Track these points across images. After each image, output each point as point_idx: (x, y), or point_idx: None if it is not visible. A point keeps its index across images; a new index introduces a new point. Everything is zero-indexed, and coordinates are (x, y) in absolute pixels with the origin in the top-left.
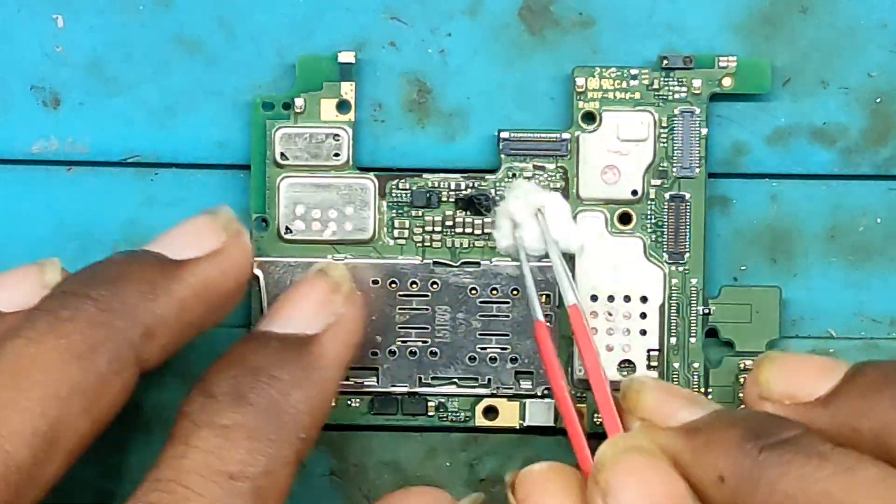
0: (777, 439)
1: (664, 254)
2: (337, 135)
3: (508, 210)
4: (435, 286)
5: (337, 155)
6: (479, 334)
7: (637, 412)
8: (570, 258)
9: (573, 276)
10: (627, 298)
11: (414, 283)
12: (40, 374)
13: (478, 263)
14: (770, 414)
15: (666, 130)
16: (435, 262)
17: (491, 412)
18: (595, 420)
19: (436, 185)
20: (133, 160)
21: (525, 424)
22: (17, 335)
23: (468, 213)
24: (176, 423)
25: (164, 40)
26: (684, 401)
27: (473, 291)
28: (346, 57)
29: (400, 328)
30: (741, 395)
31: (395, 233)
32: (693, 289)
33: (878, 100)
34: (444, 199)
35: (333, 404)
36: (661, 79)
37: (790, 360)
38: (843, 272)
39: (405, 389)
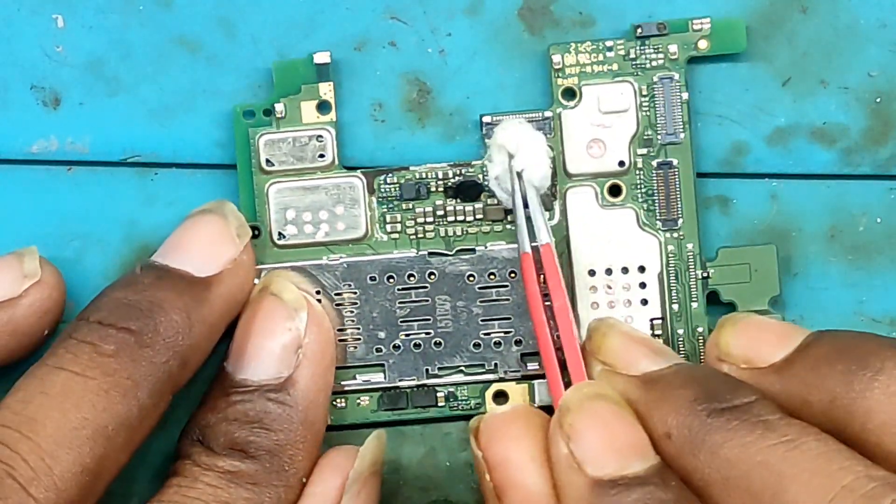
0: (728, 405)
1: (657, 222)
2: (320, 136)
3: (499, 142)
4: (432, 277)
5: (322, 156)
6: (481, 320)
7: (600, 355)
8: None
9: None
10: (625, 270)
11: (411, 275)
12: (89, 412)
13: (473, 250)
14: (728, 377)
15: (647, 99)
16: (430, 253)
17: (501, 396)
18: None
19: (423, 176)
20: (133, 160)
21: (536, 405)
22: (60, 367)
23: (458, 200)
24: (179, 461)
25: (164, 40)
26: (648, 350)
27: (471, 278)
28: (322, 58)
29: (402, 322)
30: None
31: (388, 227)
32: (690, 254)
33: (878, 100)
34: (432, 189)
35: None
36: (637, 48)
37: (751, 324)
38: (843, 272)
39: (413, 383)
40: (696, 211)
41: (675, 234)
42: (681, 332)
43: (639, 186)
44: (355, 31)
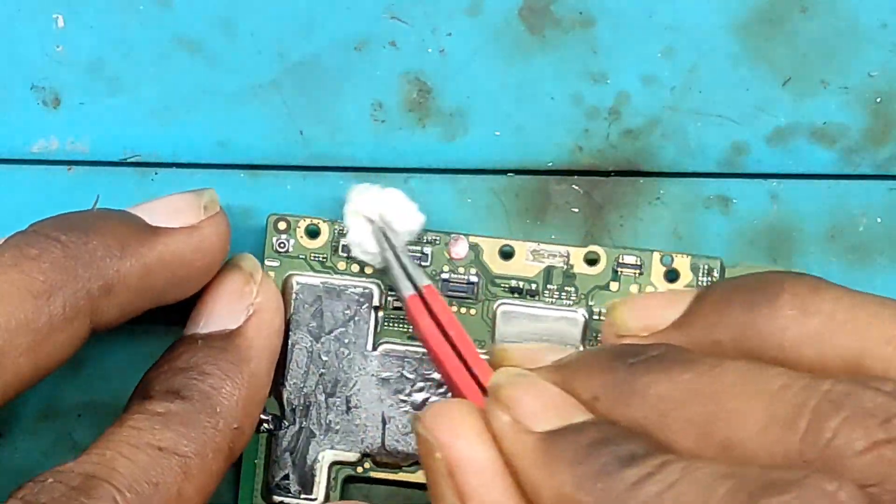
0: (644, 356)
1: None
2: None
3: (358, 210)
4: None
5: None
6: None
7: (505, 363)
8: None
9: None
10: None
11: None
12: None
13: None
14: (633, 343)
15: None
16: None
17: None
18: None
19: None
20: (133, 160)
21: None
22: None
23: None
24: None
25: (165, 40)
26: (548, 349)
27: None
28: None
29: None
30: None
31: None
32: None
33: (878, 100)
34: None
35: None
36: None
37: (641, 298)
38: (843, 272)
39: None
40: None
41: None
42: None
43: None
44: (355, 31)
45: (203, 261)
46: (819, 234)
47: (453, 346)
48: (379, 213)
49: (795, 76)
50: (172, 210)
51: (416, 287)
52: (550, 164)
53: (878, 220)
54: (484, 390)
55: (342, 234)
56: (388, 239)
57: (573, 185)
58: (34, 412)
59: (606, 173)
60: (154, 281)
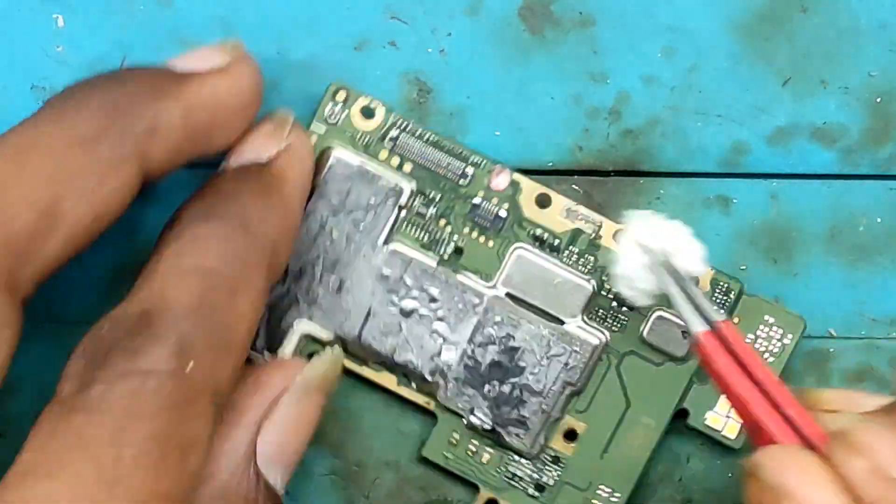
0: None
1: None
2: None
3: (638, 239)
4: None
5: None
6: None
7: (822, 406)
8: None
9: None
10: None
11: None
12: (40, 156)
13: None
14: None
15: None
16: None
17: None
18: None
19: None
20: None
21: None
22: (21, 124)
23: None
24: None
25: (164, 40)
26: (864, 394)
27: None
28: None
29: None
30: None
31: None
32: None
33: (878, 100)
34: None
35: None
36: None
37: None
38: (843, 272)
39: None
40: None
41: None
42: None
43: None
44: (355, 31)
45: (239, 99)
46: (819, 234)
47: (756, 385)
48: (661, 245)
49: (795, 76)
50: (199, 58)
51: (709, 323)
52: (550, 164)
53: (878, 220)
54: (801, 436)
55: (395, 127)
56: (673, 271)
57: (573, 185)
58: (35, 411)
59: (606, 173)
60: (195, 121)
